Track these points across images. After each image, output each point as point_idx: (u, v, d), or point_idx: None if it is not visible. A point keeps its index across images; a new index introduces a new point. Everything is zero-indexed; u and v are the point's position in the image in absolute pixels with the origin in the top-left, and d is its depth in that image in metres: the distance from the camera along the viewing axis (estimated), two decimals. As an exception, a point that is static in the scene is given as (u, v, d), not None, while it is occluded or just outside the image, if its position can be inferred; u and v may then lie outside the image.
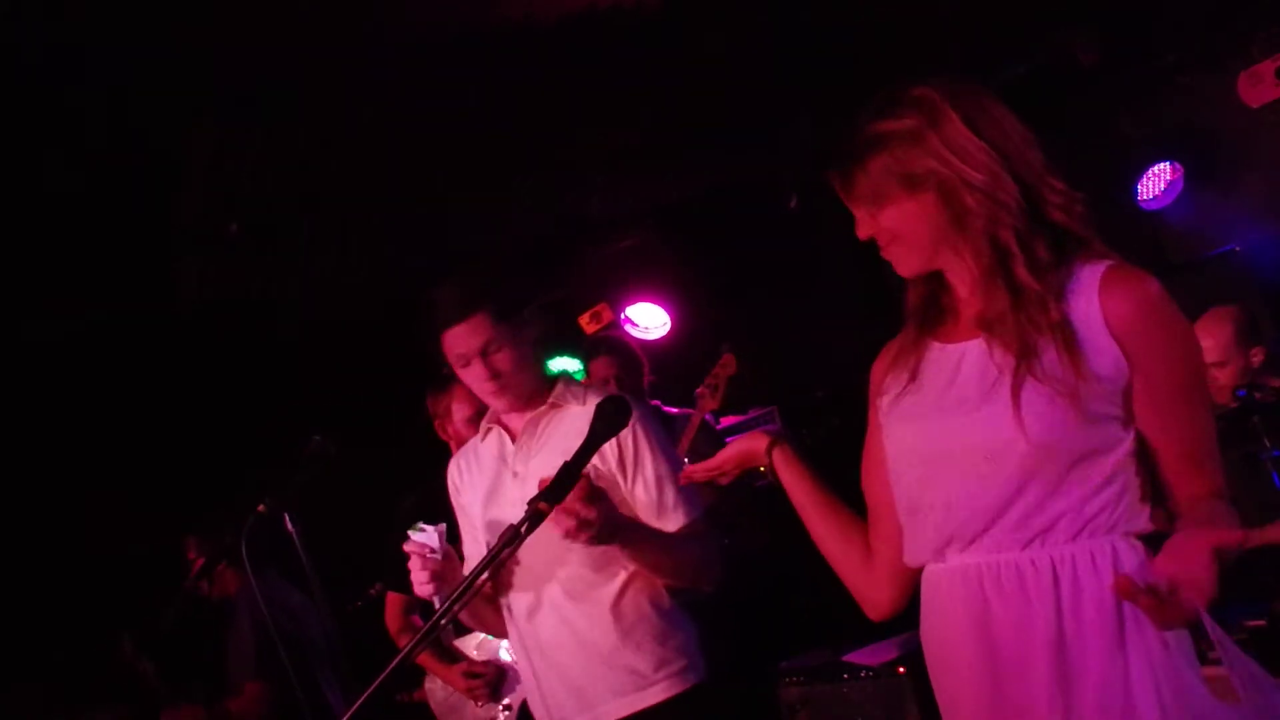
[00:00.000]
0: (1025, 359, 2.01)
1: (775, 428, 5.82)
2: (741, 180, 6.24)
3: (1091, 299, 2.03)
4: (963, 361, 2.13)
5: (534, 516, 2.31)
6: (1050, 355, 1.99)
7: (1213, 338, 4.58)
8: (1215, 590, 1.71)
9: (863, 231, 2.17)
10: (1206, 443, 2.05)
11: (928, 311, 2.24)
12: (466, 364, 3.05)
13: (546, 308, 3.29)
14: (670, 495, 3.09)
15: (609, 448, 3.01)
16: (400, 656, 2.19)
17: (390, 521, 4.28)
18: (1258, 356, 4.58)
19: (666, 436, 3.18)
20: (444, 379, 4.29)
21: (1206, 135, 6.08)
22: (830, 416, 5.94)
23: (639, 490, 3.09)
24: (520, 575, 3.10)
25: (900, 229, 2.12)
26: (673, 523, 3.07)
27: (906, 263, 2.16)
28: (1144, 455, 2.04)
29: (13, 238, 4.73)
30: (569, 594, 3.05)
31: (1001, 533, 2.02)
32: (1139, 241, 6.48)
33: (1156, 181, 6.16)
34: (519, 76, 4.62)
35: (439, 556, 2.97)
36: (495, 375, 3.04)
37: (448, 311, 3.04)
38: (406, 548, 2.99)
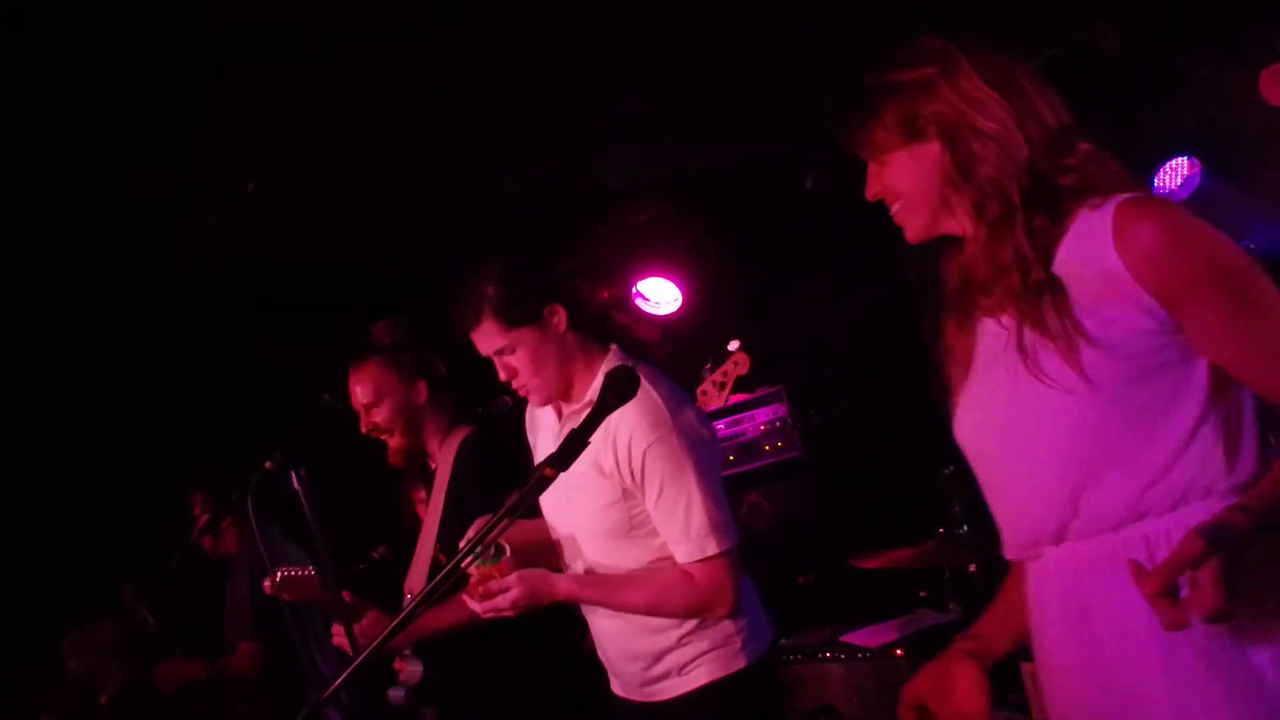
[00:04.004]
0: (1027, 324, 1.87)
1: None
2: (757, 158, 6.23)
3: (1106, 247, 1.84)
4: (987, 338, 2.01)
5: (538, 482, 2.31)
6: (1051, 316, 1.85)
7: None
8: (1218, 607, 1.54)
9: (870, 190, 2.06)
10: None
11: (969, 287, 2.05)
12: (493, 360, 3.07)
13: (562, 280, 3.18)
14: (677, 524, 2.89)
15: (621, 456, 2.89)
16: (396, 623, 2.19)
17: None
18: None
19: (695, 447, 2.91)
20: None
21: (1226, 130, 6.05)
22: (839, 398, 5.93)
23: (651, 510, 2.93)
24: (564, 551, 3.13)
25: (903, 183, 2.01)
26: (684, 554, 2.90)
27: (911, 224, 2.05)
28: (1227, 385, 1.84)
29: (31, 190, 4.75)
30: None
31: (1085, 520, 1.87)
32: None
33: (1173, 175, 6.13)
34: (539, 43, 4.61)
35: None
36: (513, 375, 3.03)
37: (459, 317, 3.02)
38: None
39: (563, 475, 2.90)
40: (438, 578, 2.16)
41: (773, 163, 6.31)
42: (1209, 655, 1.77)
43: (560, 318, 3.01)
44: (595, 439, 2.81)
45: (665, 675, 2.99)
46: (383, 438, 3.85)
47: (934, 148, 1.97)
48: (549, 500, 3.14)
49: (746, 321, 6.18)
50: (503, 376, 3.06)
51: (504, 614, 2.92)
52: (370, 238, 6.26)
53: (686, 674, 2.97)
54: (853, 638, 4.68)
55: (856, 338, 6.06)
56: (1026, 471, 1.92)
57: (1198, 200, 6.12)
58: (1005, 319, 1.95)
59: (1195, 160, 6.10)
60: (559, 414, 3.14)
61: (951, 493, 4.39)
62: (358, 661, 2.18)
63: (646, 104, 5.51)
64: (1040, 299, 1.87)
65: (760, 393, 5.95)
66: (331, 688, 2.16)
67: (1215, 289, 1.80)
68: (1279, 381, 1.81)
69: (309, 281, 6.06)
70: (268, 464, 3.24)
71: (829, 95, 2.08)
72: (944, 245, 2.09)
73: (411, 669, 3.73)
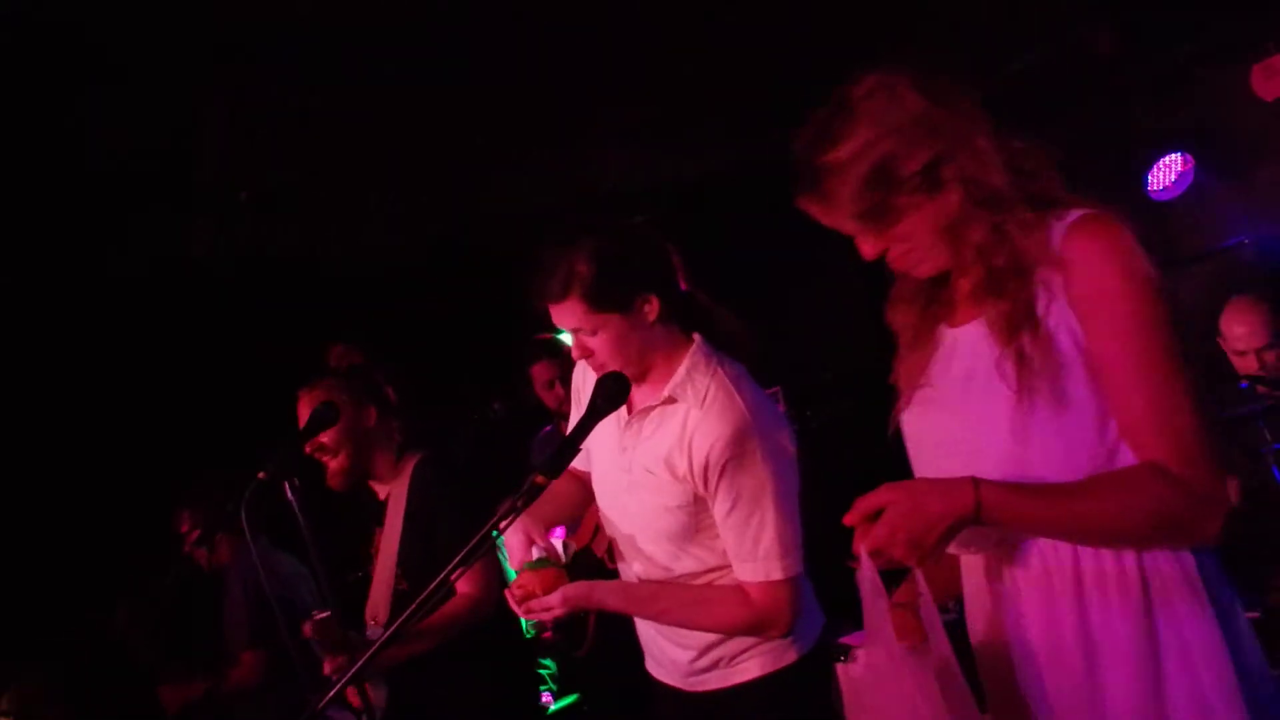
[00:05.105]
0: (1009, 342, 1.88)
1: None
2: (756, 159, 6.23)
3: (1055, 261, 1.87)
4: (958, 346, 2.01)
5: (530, 489, 2.29)
6: (1027, 337, 1.87)
7: (1248, 325, 4.45)
8: (876, 544, 1.82)
9: (870, 250, 1.99)
10: (1159, 409, 1.80)
11: (929, 298, 2.11)
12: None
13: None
14: (746, 542, 2.70)
15: (697, 463, 2.70)
16: (390, 631, 2.21)
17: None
18: None
19: (778, 465, 2.72)
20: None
21: (1219, 127, 6.08)
22: (838, 399, 5.95)
23: (720, 522, 2.74)
24: (619, 543, 2.98)
25: (917, 233, 1.93)
26: (747, 573, 2.71)
27: (927, 264, 1.99)
28: None
29: (28, 198, 4.77)
30: (648, 572, 2.90)
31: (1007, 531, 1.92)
32: (1148, 232, 6.49)
33: (1167, 172, 6.16)
34: (539, 46, 4.62)
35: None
36: (587, 354, 2.79)
37: (542, 287, 2.72)
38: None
39: (629, 468, 2.84)
40: (425, 591, 2.18)
41: (772, 164, 6.31)
42: (1130, 654, 1.85)
43: (653, 308, 2.76)
44: (669, 437, 2.75)
45: (714, 666, 2.86)
46: (324, 459, 3.79)
47: (947, 192, 1.90)
48: (607, 490, 2.98)
49: (745, 322, 6.18)
50: (576, 355, 2.83)
51: (544, 619, 2.74)
52: (370, 238, 6.27)
53: (736, 665, 2.84)
54: (851, 638, 4.69)
55: (855, 338, 6.06)
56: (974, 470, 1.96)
57: (1192, 197, 6.15)
58: (969, 328, 1.98)
59: (1189, 157, 6.13)
60: (629, 407, 2.90)
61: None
62: (353, 670, 2.25)
63: (645, 106, 5.52)
64: (1014, 305, 1.89)
65: (759, 393, 5.94)
66: (329, 695, 2.23)
67: (1116, 307, 1.82)
68: (1136, 417, 1.82)
69: (309, 283, 6.08)
70: (261, 474, 3.19)
71: (801, 198, 2.03)
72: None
73: (375, 694, 3.74)
